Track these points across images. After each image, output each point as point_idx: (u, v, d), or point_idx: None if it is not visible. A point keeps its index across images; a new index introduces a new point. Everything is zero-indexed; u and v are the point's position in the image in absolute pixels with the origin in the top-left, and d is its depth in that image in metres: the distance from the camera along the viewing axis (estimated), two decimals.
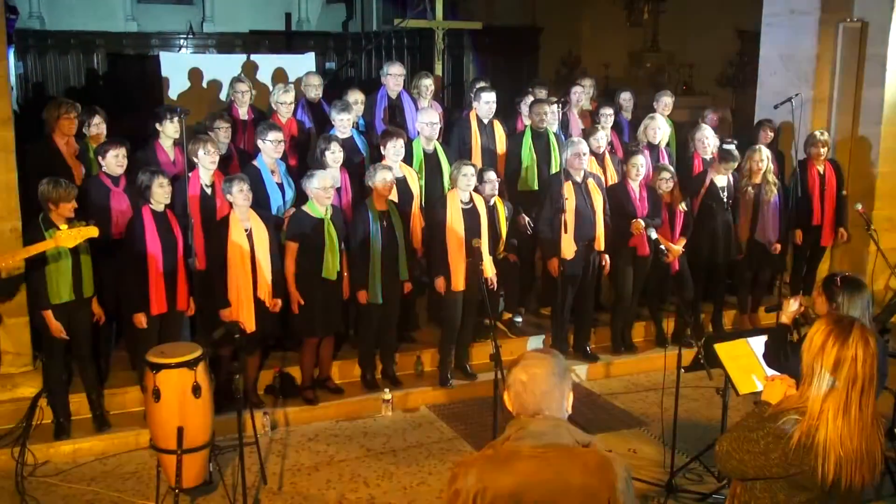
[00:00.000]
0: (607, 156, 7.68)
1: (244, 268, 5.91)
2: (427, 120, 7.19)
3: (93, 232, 5.11)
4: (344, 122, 7.03)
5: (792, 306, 4.51)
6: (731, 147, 7.61)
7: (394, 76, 7.88)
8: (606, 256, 7.14)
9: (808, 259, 8.31)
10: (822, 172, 7.94)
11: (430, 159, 7.23)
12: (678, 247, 7.27)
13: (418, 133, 7.32)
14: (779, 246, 7.82)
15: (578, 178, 6.92)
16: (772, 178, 7.66)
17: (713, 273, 7.74)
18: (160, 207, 5.80)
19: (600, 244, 7.06)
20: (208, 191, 6.28)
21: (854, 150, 8.52)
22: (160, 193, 5.75)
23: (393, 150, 6.75)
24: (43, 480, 5.51)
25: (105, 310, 5.96)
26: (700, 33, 14.61)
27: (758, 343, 5.00)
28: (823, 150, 7.89)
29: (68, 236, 5.03)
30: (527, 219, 7.35)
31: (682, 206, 7.24)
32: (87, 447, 5.85)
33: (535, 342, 7.51)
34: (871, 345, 2.70)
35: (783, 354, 4.37)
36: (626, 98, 8.84)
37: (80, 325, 5.73)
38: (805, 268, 8.36)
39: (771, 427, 2.77)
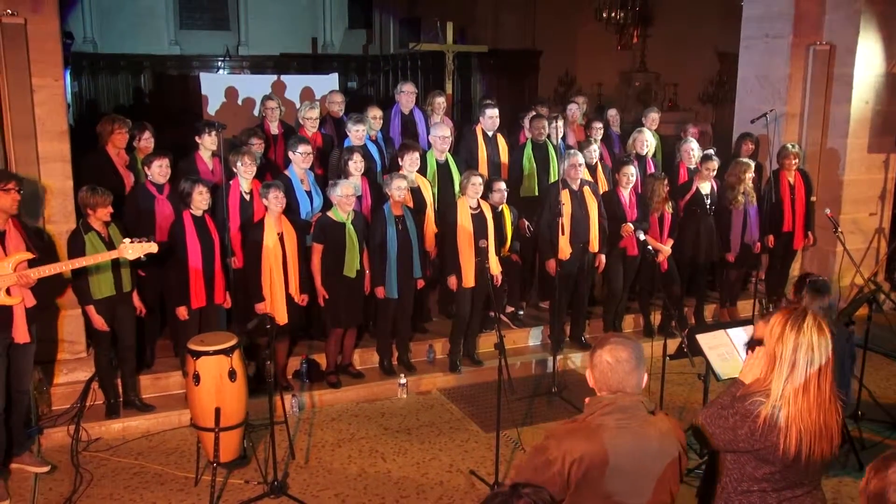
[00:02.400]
0: (599, 165, 7.66)
1: (277, 266, 5.93)
2: (440, 134, 7.19)
3: (153, 248, 5.12)
4: (359, 133, 7.02)
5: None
6: (711, 152, 7.65)
7: (406, 94, 7.89)
8: (602, 256, 7.13)
9: (780, 259, 8.28)
10: (791, 182, 7.89)
11: (442, 169, 7.23)
12: (667, 247, 7.25)
13: (430, 145, 7.33)
14: (760, 245, 7.80)
15: (575, 186, 6.91)
16: (751, 185, 7.62)
17: (696, 271, 7.72)
18: (199, 213, 5.81)
19: (595, 246, 7.04)
20: (247, 197, 6.30)
21: (823, 160, 8.50)
22: (199, 200, 5.76)
23: (409, 161, 6.75)
24: (95, 455, 5.54)
25: (150, 304, 5.99)
26: (684, 55, 14.57)
27: (735, 334, 4.99)
28: (795, 161, 7.85)
29: (132, 249, 5.04)
30: (527, 223, 7.35)
31: (668, 208, 7.22)
32: (134, 425, 5.88)
33: (536, 333, 7.51)
34: (825, 330, 2.73)
35: None
36: (612, 114, 8.84)
37: (123, 317, 5.74)
38: (779, 266, 8.32)
39: (739, 407, 2.81)
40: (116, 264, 5.50)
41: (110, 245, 5.45)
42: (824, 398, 2.73)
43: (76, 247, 5.38)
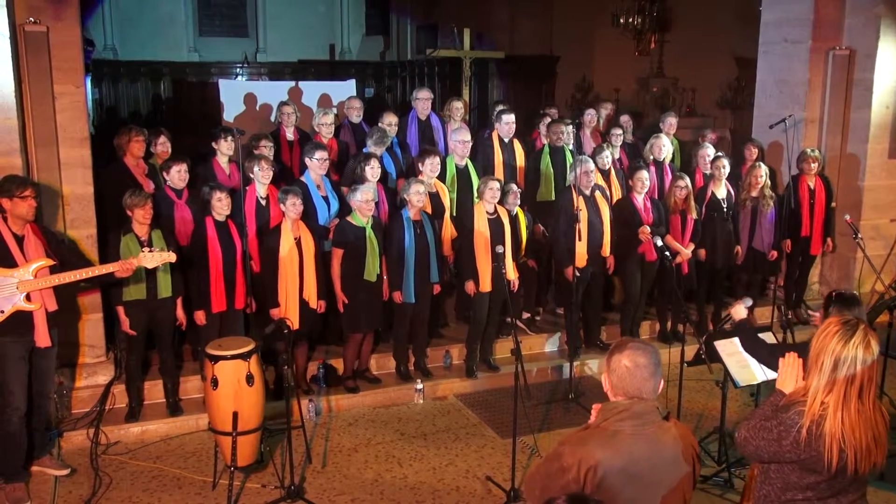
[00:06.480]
0: (612, 172, 7.65)
1: (293, 272, 5.95)
2: (461, 139, 7.21)
3: (171, 258, 5.17)
4: (380, 151, 7.04)
5: (741, 312, 4.48)
6: (721, 153, 7.74)
7: (422, 100, 7.93)
8: (612, 258, 7.13)
9: (799, 265, 8.22)
10: (812, 187, 7.85)
11: (462, 174, 7.24)
12: (687, 250, 7.24)
13: (449, 151, 7.34)
14: (775, 253, 7.77)
15: (587, 192, 6.90)
16: (769, 192, 7.63)
17: (714, 276, 7.70)
18: (221, 218, 5.86)
19: (607, 249, 7.05)
20: (263, 202, 6.33)
21: (843, 166, 8.43)
22: (219, 206, 5.81)
23: (430, 166, 6.78)
24: (114, 458, 5.58)
25: None
26: (702, 60, 14.51)
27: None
28: (814, 166, 7.81)
29: (150, 258, 5.10)
30: (542, 228, 7.35)
31: (692, 212, 7.23)
32: (153, 429, 5.92)
33: (552, 339, 7.50)
34: (872, 347, 2.67)
35: (759, 345, 4.35)
36: (625, 120, 8.84)
37: (160, 322, 5.80)
38: (797, 273, 8.27)
39: (783, 417, 2.76)
40: (152, 270, 5.48)
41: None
42: (868, 415, 2.69)
43: (111, 247, 5.50)
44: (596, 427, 2.61)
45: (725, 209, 7.49)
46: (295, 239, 5.95)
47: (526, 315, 7.55)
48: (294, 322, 5.94)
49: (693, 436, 2.74)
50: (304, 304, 6.05)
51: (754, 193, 7.59)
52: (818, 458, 2.68)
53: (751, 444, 2.84)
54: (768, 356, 4.25)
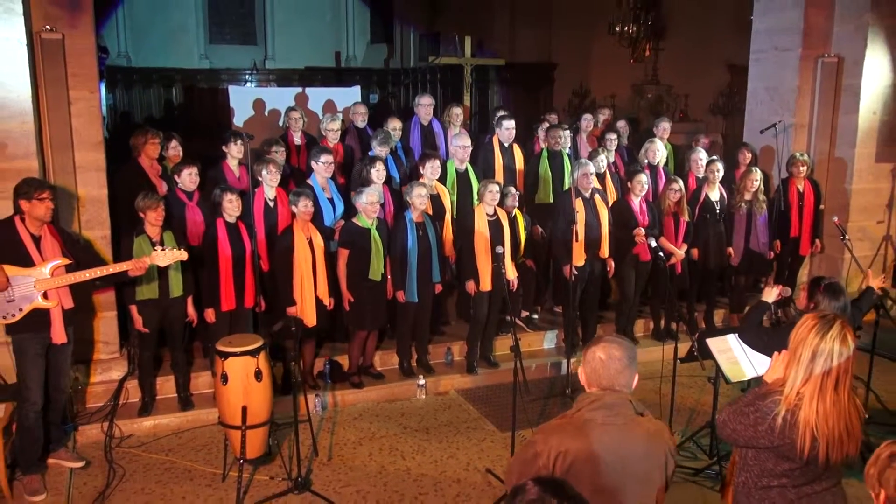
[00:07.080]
0: (608, 175, 7.68)
1: (308, 271, 5.99)
2: (461, 143, 7.25)
3: (183, 256, 5.20)
4: (385, 151, 7.10)
5: (771, 294, 4.52)
6: (715, 157, 7.78)
7: (424, 106, 7.97)
8: (612, 261, 7.16)
9: (789, 266, 8.26)
10: (801, 190, 7.88)
11: (462, 178, 7.27)
12: (680, 251, 7.28)
13: (450, 155, 7.38)
14: (772, 253, 7.80)
15: (587, 195, 6.94)
16: (762, 195, 7.66)
17: (706, 276, 7.73)
18: (232, 219, 5.89)
19: (605, 251, 7.07)
20: (271, 204, 6.37)
21: (831, 170, 8.45)
22: (230, 207, 5.84)
23: (430, 169, 6.82)
24: (127, 451, 5.61)
25: None
26: (695, 68, 14.54)
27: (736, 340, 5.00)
28: (803, 170, 7.84)
29: (163, 257, 5.13)
30: (540, 229, 7.38)
31: (685, 214, 7.26)
32: (165, 423, 5.96)
33: (550, 336, 7.53)
34: (849, 341, 2.70)
35: (755, 324, 4.38)
36: (622, 126, 8.88)
37: (172, 320, 5.84)
38: (787, 273, 8.30)
39: (760, 404, 2.80)
40: (164, 269, 5.53)
41: None
42: (843, 406, 2.72)
43: (124, 248, 5.53)
44: (570, 416, 2.63)
45: (718, 211, 7.53)
46: (307, 239, 5.99)
47: (525, 313, 7.59)
48: (311, 319, 5.99)
49: (670, 433, 2.72)
50: (317, 301, 6.09)
51: (748, 197, 7.62)
52: (791, 445, 2.72)
53: (728, 427, 2.89)
54: (763, 347, 4.28)
